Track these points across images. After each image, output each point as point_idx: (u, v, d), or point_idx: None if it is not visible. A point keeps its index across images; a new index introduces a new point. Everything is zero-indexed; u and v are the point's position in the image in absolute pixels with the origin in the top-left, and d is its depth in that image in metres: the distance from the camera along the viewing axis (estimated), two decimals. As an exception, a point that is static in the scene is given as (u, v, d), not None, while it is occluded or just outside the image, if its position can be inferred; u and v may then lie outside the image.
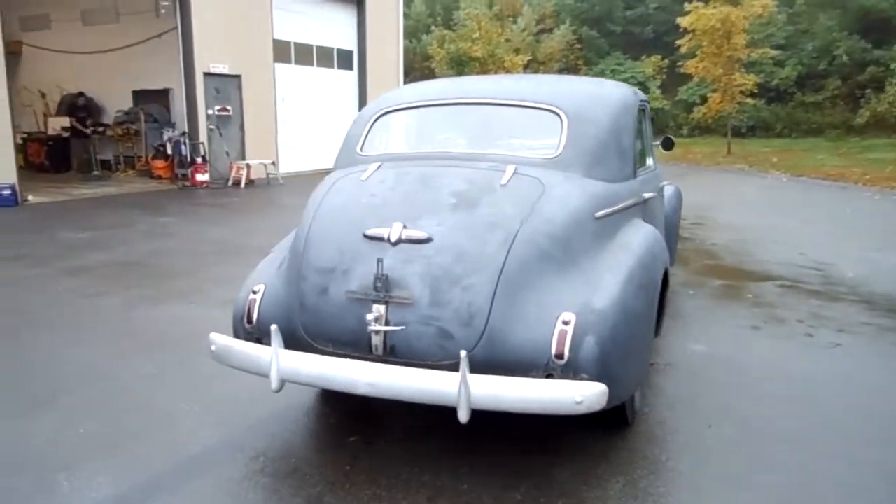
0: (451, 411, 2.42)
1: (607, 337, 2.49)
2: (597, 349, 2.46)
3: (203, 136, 13.10)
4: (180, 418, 3.31)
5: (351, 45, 16.92)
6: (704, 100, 23.54)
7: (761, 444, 3.10)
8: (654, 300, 3.01)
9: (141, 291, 5.61)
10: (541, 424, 2.94)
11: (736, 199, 12.56)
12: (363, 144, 3.42)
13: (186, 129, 13.12)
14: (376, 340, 2.57)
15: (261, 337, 2.83)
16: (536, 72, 27.47)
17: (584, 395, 2.33)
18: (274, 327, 2.62)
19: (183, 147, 13.03)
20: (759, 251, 7.64)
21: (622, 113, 3.38)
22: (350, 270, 2.66)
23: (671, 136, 5.56)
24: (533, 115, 3.27)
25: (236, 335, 2.92)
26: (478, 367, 2.46)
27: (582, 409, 2.35)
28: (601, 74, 28.25)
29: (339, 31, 16.47)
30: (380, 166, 3.10)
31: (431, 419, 3.18)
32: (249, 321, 2.87)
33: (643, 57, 28.95)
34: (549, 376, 2.46)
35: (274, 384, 2.61)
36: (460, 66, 24.12)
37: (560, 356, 2.44)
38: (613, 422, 3.08)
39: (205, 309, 5.12)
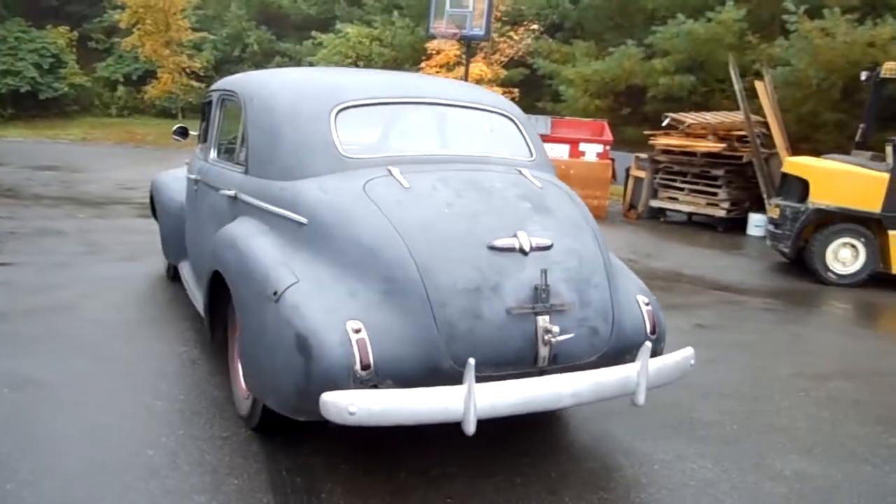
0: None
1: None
2: (663, 321, 3.01)
3: None
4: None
5: None
6: (139, 79, 22.87)
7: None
8: None
9: None
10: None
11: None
12: (341, 145, 2.97)
13: None
14: (544, 352, 2.55)
15: (377, 383, 2.40)
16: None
17: (693, 357, 2.87)
18: (472, 361, 2.31)
19: None
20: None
21: None
22: (499, 287, 2.53)
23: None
24: (492, 118, 3.41)
25: (335, 387, 2.36)
26: (610, 356, 2.73)
27: (691, 369, 2.89)
28: (4, 42, 24.17)
29: None
30: (401, 172, 2.84)
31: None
32: (365, 367, 2.37)
33: (48, 26, 25.84)
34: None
35: (472, 427, 2.34)
36: None
37: (653, 332, 2.92)
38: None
39: None
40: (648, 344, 2.68)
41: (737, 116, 10.73)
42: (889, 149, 7.66)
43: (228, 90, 3.89)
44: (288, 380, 2.48)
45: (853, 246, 7.24)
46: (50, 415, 3.25)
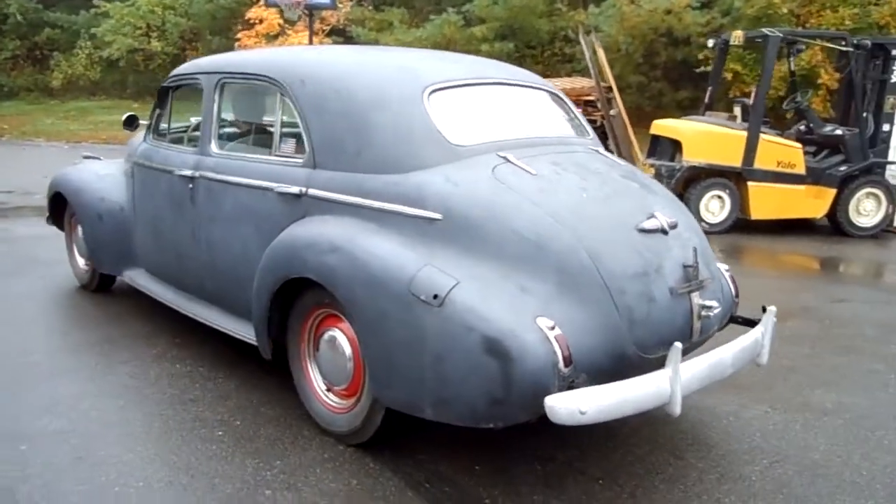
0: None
1: None
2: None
3: None
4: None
5: None
6: None
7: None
8: None
9: None
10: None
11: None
12: (445, 132, 2.78)
13: None
14: (698, 325, 2.63)
15: (574, 378, 2.35)
16: None
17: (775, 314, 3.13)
18: (678, 345, 2.33)
19: None
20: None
21: None
22: (660, 268, 2.56)
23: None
24: (548, 98, 3.36)
25: (545, 392, 2.27)
26: (721, 323, 2.91)
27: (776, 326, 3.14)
28: None
29: None
30: (519, 157, 2.76)
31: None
32: (567, 363, 2.30)
33: None
34: (731, 314, 3.12)
35: (678, 408, 2.37)
36: None
37: (737, 295, 3.13)
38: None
39: None
40: (773, 308, 2.88)
41: (586, 82, 11.43)
42: (738, 109, 8.66)
43: (248, 73, 3.39)
44: (475, 387, 2.33)
45: (720, 197, 8.12)
46: (106, 467, 2.76)
